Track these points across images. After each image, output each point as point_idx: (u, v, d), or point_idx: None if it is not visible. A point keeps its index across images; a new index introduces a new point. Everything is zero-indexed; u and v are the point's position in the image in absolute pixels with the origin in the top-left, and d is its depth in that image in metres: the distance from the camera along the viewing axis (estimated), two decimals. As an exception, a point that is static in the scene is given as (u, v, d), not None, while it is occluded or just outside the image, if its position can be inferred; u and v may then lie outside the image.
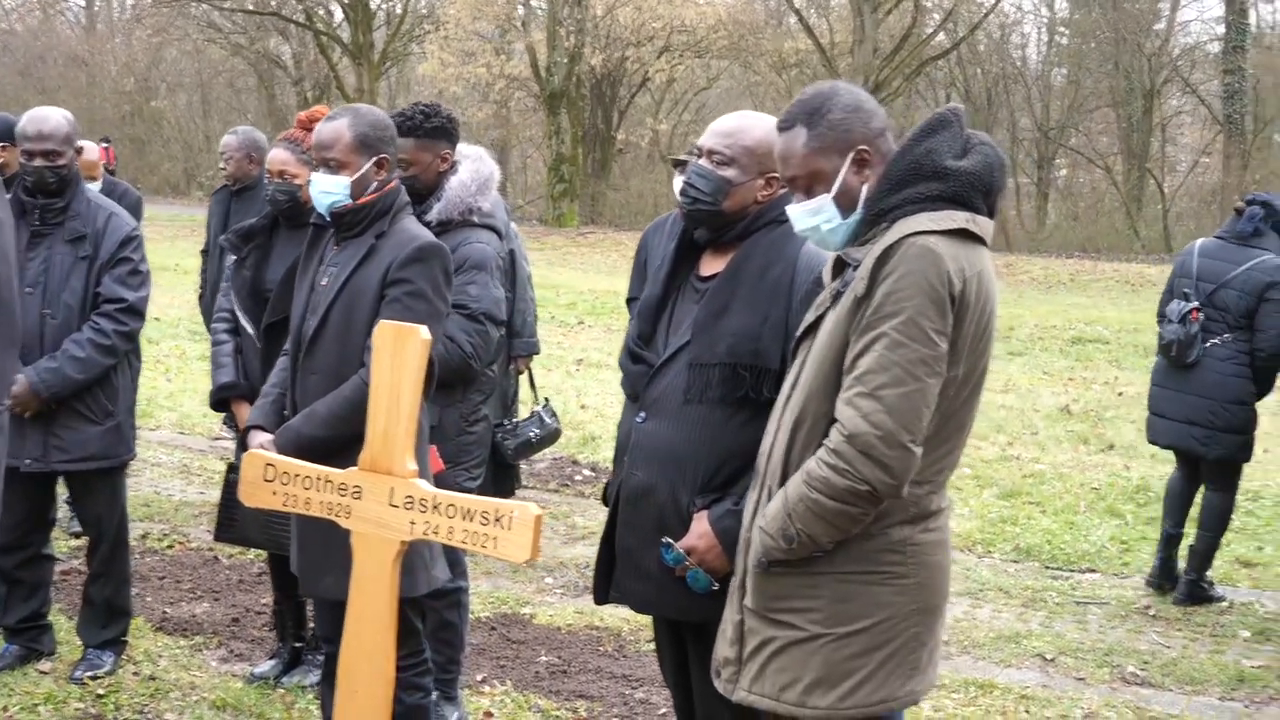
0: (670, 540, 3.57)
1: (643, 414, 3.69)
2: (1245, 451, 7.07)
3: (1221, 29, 34.66)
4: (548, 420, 7.21)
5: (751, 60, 37.22)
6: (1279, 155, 36.60)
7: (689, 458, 3.58)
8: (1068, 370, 15.28)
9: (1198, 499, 7.27)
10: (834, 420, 2.99)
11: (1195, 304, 6.94)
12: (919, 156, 3.06)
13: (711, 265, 3.75)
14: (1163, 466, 10.09)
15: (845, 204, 3.14)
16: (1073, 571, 7.59)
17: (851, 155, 3.13)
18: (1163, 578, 7.22)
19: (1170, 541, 7.27)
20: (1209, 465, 7.16)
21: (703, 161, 3.68)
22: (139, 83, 44.63)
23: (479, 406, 5.08)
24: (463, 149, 4.99)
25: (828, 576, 3.07)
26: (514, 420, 7.23)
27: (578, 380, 13.36)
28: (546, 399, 7.43)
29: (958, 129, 3.13)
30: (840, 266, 3.18)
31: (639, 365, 3.75)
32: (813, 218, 3.16)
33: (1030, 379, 14.54)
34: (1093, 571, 7.60)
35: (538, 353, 7.49)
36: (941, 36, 35.16)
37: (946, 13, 34.17)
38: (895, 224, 3.01)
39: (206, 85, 46.18)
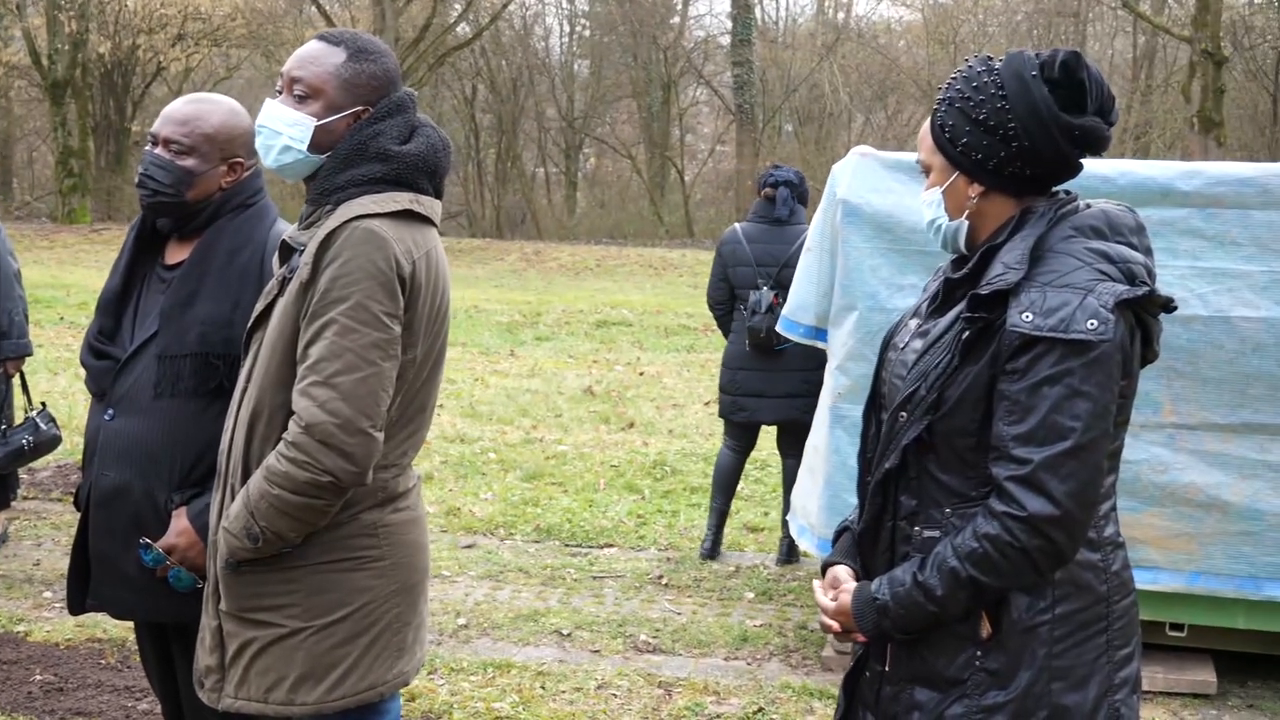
0: (149, 540, 3.39)
1: (110, 411, 3.49)
2: None
3: (730, 23, 36.50)
4: (44, 426, 6.78)
5: (273, 50, 36.29)
6: (788, 144, 38.95)
7: (163, 454, 3.41)
8: (592, 353, 15.67)
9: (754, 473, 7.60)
10: (292, 412, 2.89)
11: (774, 291, 7.23)
12: (366, 139, 2.99)
13: (177, 253, 3.58)
14: (679, 441, 10.54)
15: (320, 142, 3.02)
16: (591, 547, 7.76)
17: (356, 109, 3.03)
18: (714, 553, 7.54)
19: (722, 518, 7.61)
20: (797, 433, 7.44)
21: (159, 151, 3.51)
22: None
23: None
24: None
25: (302, 569, 2.97)
26: (5, 427, 6.76)
27: (88, 383, 12.59)
28: (43, 404, 6.96)
29: (411, 114, 3.09)
30: (287, 252, 3.07)
31: (103, 361, 3.54)
32: (288, 126, 3.01)
33: (556, 363, 14.82)
34: (610, 546, 7.79)
35: (30, 354, 6.99)
36: (465, 27, 35.39)
37: (467, 2, 34.46)
38: (339, 207, 2.94)
39: None
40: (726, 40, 37.75)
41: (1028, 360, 2.38)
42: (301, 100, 3.02)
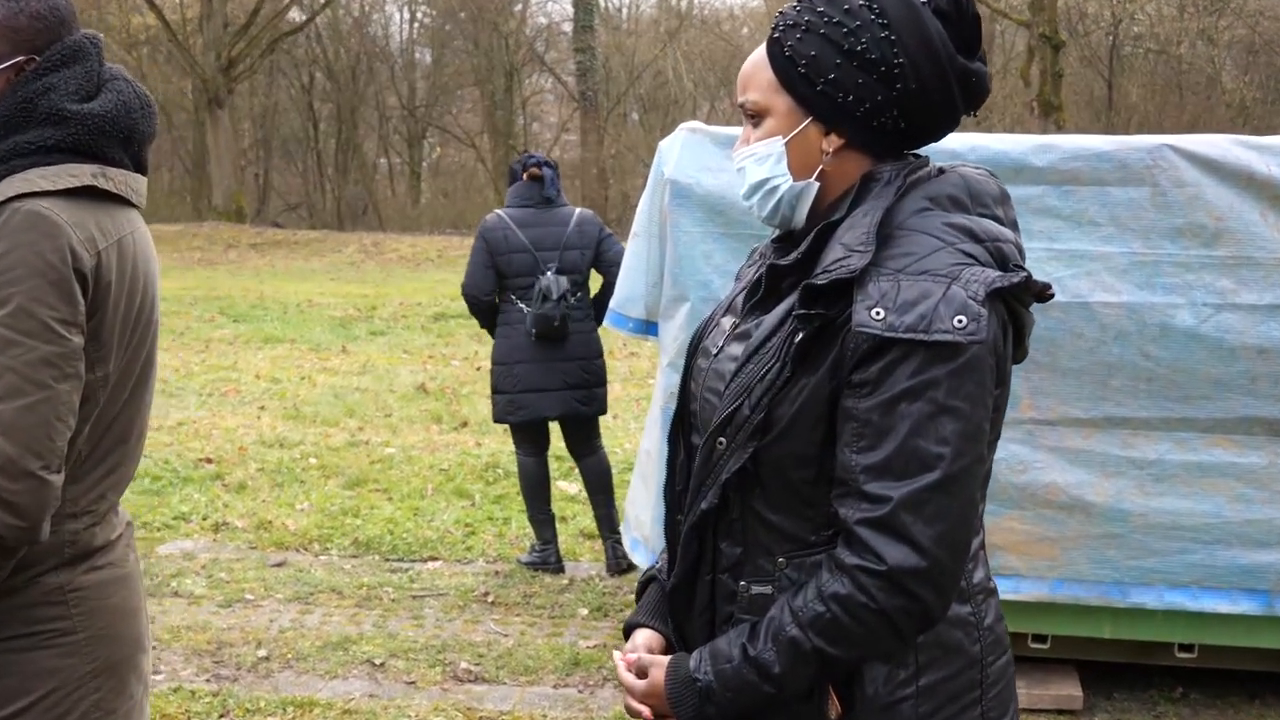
0: None
1: None
2: (606, 403, 7.09)
3: (572, 9, 35.93)
4: None
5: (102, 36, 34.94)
6: (633, 130, 38.56)
7: None
8: (428, 347, 15.01)
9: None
10: None
11: (565, 279, 6.78)
12: (32, 95, 2.32)
13: None
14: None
15: None
16: (414, 561, 7.14)
17: (18, 59, 2.35)
18: (559, 559, 7.05)
19: (553, 525, 7.08)
20: (581, 428, 7.06)
21: None
22: None
23: None
24: None
25: None
26: None
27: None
28: None
29: (94, 63, 2.40)
30: None
31: None
32: None
33: (390, 359, 14.13)
34: (435, 559, 7.18)
35: None
36: (299, 13, 34.35)
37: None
38: (2, 184, 2.28)
39: None
40: (569, 27, 37.17)
41: (880, 369, 1.84)
42: None
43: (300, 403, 11.49)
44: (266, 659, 5.71)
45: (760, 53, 2.08)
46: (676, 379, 5.13)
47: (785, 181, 2.03)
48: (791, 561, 1.95)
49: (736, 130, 5.23)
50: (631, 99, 38.68)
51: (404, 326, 16.59)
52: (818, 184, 2.03)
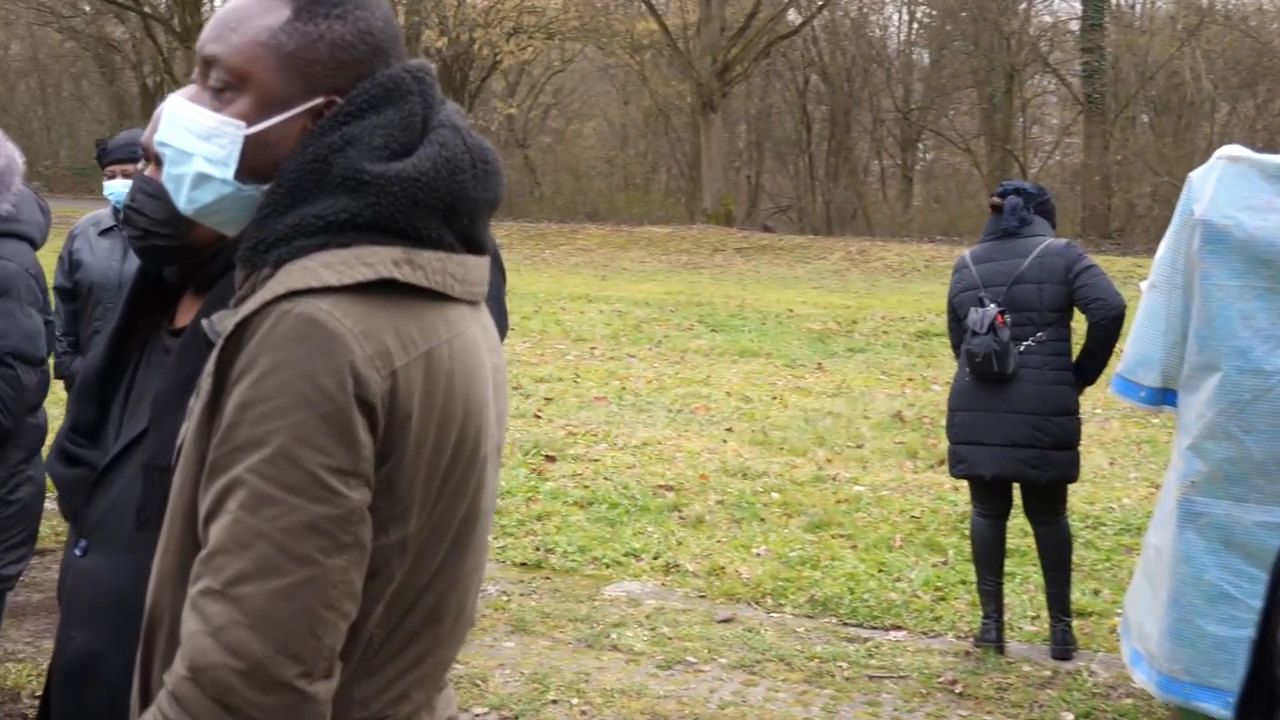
0: None
1: (83, 543, 2.36)
2: (1076, 469, 6.06)
3: (1080, 7, 34.13)
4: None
5: (605, 42, 36.14)
6: (1142, 135, 36.27)
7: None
8: (909, 368, 14.17)
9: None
10: None
11: (999, 308, 5.93)
12: (328, 150, 1.67)
13: (190, 313, 2.41)
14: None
15: (257, 161, 1.73)
16: (874, 629, 6.39)
17: (314, 102, 1.73)
18: (1000, 638, 6.15)
19: (998, 600, 6.20)
20: (1038, 494, 6.10)
21: (150, 172, 2.37)
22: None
23: (21, 467, 3.90)
24: None
25: None
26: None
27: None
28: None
29: (418, 106, 1.73)
30: (209, 347, 1.74)
31: (77, 469, 2.41)
32: (199, 139, 1.73)
33: (866, 380, 13.40)
34: (898, 629, 6.40)
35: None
36: (796, 15, 34.18)
37: (796, -11, 33.30)
38: (279, 271, 1.65)
39: (44, 71, 44.00)
40: (1076, 25, 35.32)
41: None
42: (220, 92, 1.73)
43: (769, 426, 10.95)
44: (701, 741, 5.12)
45: None
46: (1199, 466, 4.15)
47: None
48: None
49: (1293, 160, 4.19)
50: (1141, 101, 36.34)
51: (884, 344, 15.83)
52: None
